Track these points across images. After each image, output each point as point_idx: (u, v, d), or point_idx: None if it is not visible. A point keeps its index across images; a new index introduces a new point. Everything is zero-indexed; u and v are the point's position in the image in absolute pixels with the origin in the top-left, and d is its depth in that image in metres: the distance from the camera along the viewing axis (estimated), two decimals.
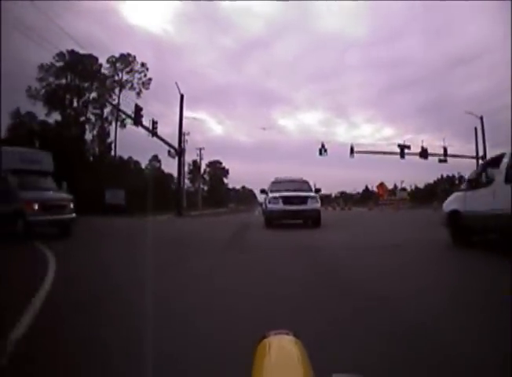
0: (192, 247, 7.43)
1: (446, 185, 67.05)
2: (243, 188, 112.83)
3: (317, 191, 13.80)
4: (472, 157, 35.06)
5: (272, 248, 7.13)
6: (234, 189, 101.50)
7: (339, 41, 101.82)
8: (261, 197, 58.48)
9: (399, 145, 32.45)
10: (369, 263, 5.22)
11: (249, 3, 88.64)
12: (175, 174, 56.72)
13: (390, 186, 57.44)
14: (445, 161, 34.74)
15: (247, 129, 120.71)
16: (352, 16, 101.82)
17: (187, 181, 58.68)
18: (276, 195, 12.28)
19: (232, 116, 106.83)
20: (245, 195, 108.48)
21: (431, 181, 68.73)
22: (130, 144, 54.13)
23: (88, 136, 38.45)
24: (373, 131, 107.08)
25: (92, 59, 38.80)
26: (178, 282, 4.24)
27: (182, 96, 27.22)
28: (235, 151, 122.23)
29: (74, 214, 9.31)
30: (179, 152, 25.95)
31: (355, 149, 33.16)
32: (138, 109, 20.29)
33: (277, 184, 13.67)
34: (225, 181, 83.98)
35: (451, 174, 62.96)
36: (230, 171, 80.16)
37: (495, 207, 5.28)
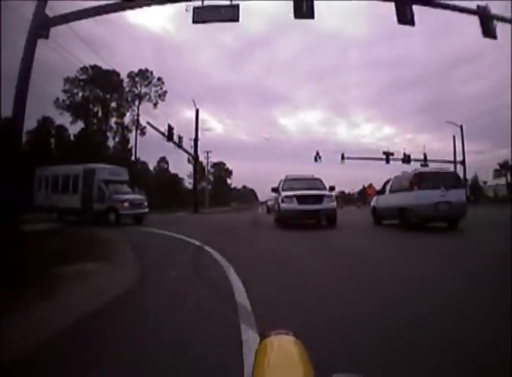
0: (230, 228, 12.30)
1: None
2: (244, 187, 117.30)
3: (331, 189, 12.73)
4: (450, 162, 39.94)
5: (278, 227, 11.97)
6: (235, 189, 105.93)
7: (340, 40, 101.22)
8: (262, 196, 62.34)
9: (384, 152, 37.32)
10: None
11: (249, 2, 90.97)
12: (179, 174, 61.51)
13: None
14: (426, 165, 39.55)
15: (247, 129, 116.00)
16: (353, 16, 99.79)
17: (192, 181, 63.35)
18: (290, 193, 11.62)
19: (232, 115, 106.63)
20: (246, 195, 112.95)
21: None
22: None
23: (110, 142, 43.27)
24: (373, 130, 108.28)
25: (113, 74, 43.58)
26: (238, 239, 9.03)
27: (197, 111, 32.05)
28: (235, 150, 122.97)
29: (147, 209, 14.28)
30: (194, 160, 30.79)
31: (346, 155, 37.87)
32: (170, 128, 25.14)
33: (289, 182, 12.99)
34: (228, 181, 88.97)
35: None
36: (227, 167, 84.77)
37: (387, 205, 10.50)
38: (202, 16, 8.16)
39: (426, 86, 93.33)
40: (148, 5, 8.84)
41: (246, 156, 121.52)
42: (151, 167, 57.50)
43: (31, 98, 9.71)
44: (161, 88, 44.02)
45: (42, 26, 9.79)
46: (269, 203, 27.06)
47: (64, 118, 45.88)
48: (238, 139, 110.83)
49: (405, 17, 9.03)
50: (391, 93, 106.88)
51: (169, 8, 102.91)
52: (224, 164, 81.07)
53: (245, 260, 5.45)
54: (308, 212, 11.26)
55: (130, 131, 43.07)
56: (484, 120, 70.59)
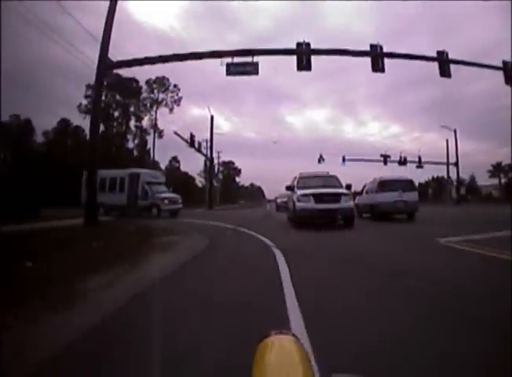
0: (248, 219, 15.85)
1: (434, 185, 74.80)
2: (252, 185, 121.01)
3: (348, 187, 12.30)
4: (443, 163, 43.12)
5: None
6: (243, 186, 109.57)
7: (346, 39, 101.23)
8: (269, 194, 65.33)
9: (381, 155, 40.64)
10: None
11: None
12: (189, 173, 64.92)
13: None
14: (421, 167, 43.02)
15: (255, 126, 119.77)
16: (359, 15, 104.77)
17: (202, 179, 67.14)
18: (307, 192, 11.31)
19: (239, 113, 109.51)
20: (253, 192, 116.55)
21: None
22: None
23: (130, 144, 47.14)
24: (380, 129, 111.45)
25: (133, 81, 47.31)
26: (257, 224, 12.54)
27: (212, 118, 35.65)
28: (242, 148, 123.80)
29: (181, 205, 17.93)
30: (210, 163, 34.48)
31: (347, 157, 41.19)
32: (192, 136, 28.92)
33: (304, 179, 12.67)
34: (237, 179, 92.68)
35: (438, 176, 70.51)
36: (236, 166, 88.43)
37: (364, 202, 14.02)
38: (232, 70, 11.67)
39: (432, 85, 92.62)
40: (198, 58, 12.37)
41: (254, 154, 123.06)
42: (162, 166, 61.38)
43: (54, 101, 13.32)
44: (177, 94, 47.73)
45: (106, 68, 13.38)
46: (279, 200, 26.80)
47: (86, 122, 50.07)
48: (245, 137, 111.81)
49: (377, 67, 12.46)
50: (398, 91, 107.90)
51: (176, 6, 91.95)
52: (233, 163, 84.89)
53: (263, 232, 8.98)
54: (325, 211, 10.89)
55: (148, 134, 46.86)
56: (489, 119, 72.47)
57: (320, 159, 39.56)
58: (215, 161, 60.92)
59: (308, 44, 12.14)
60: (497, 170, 54.08)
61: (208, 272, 4.73)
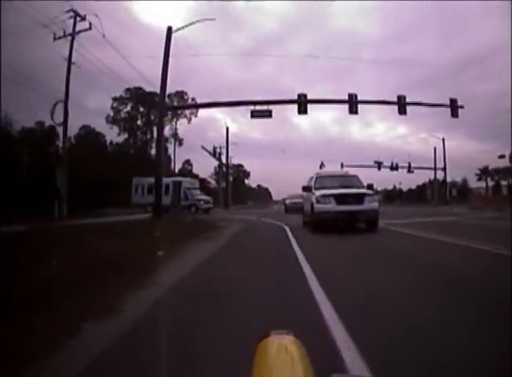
0: (264, 213, 21.72)
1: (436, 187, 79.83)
2: (259, 186, 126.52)
3: (370, 187, 11.63)
4: (431, 168, 48.74)
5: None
6: (251, 188, 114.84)
7: (352, 39, 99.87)
8: (276, 196, 70.76)
9: (375, 161, 46.29)
10: None
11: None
12: (200, 175, 70.70)
13: (390, 187, 71.52)
14: (412, 172, 48.79)
15: (261, 127, 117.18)
16: (365, 15, 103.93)
17: (213, 181, 73.19)
18: (326, 192, 10.63)
19: (246, 114, 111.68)
20: (261, 193, 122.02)
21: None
22: None
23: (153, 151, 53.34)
24: (387, 129, 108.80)
25: (155, 94, 53.40)
26: (274, 216, 18.39)
27: (227, 129, 41.58)
28: (249, 149, 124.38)
29: (211, 205, 23.88)
30: (227, 169, 40.47)
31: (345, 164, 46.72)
32: (215, 148, 34.96)
33: (323, 179, 12.07)
34: (246, 181, 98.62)
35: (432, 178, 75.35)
36: (245, 169, 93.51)
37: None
38: (255, 114, 17.53)
39: (438, 86, 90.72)
40: (228, 105, 18.29)
41: (260, 155, 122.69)
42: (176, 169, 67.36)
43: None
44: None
45: (164, 110, 19.31)
46: (288, 201, 25.97)
47: (113, 131, 56.42)
48: (252, 138, 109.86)
49: (353, 110, 18.24)
50: (404, 91, 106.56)
51: (181, 6, 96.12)
52: (243, 166, 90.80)
53: (281, 221, 14.77)
54: (348, 214, 10.12)
55: (169, 142, 52.97)
56: (494, 120, 73.61)
57: (321, 166, 45.13)
58: (227, 166, 66.95)
59: (305, 95, 17.97)
60: (484, 173, 59.16)
61: (250, 235, 10.61)
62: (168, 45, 19.12)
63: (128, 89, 55.84)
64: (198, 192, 24.46)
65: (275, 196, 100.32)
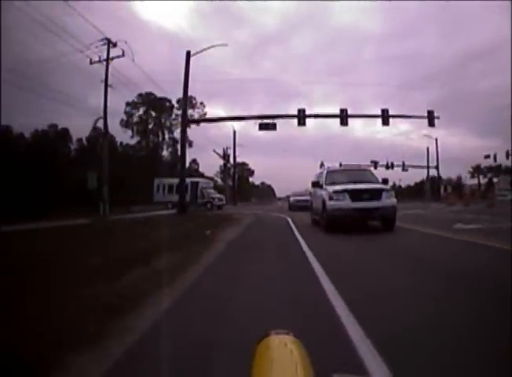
0: (271, 208, 25.51)
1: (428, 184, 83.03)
2: (262, 183, 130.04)
3: (385, 182, 11.10)
4: (424, 167, 52.33)
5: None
6: (254, 185, 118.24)
7: (354, 36, 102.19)
8: (279, 193, 74.38)
9: (371, 161, 49.91)
10: None
11: None
12: (206, 173, 73.62)
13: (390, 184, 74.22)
14: (406, 170, 52.61)
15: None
16: (367, 12, 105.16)
17: (219, 179, 76.92)
18: (339, 188, 9.72)
19: (248, 111, 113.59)
20: (264, 191, 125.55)
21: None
22: None
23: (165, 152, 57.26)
24: (389, 126, 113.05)
25: (165, 100, 57.24)
26: (280, 210, 22.21)
27: (234, 133, 45.32)
28: (252, 145, 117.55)
29: (225, 202, 27.73)
30: (234, 168, 44.23)
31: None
32: (224, 151, 38.74)
33: (334, 174, 11.19)
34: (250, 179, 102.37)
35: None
36: (249, 167, 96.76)
37: None
38: (262, 127, 21.25)
39: (441, 82, 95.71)
40: (241, 119, 22.08)
41: (263, 152, 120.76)
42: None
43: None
44: (202, 110, 57.50)
45: (186, 122, 23.04)
46: (292, 199, 25.18)
47: (127, 134, 60.32)
48: (254, 135, 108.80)
49: (344, 122, 21.93)
50: (406, 88, 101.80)
51: (182, 4, 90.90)
52: (247, 164, 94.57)
53: (284, 213, 18.55)
54: (364, 211, 9.36)
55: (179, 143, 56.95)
56: (495, 116, 73.63)
57: (321, 166, 48.71)
58: (233, 165, 70.65)
59: (304, 110, 21.65)
60: (476, 171, 62.61)
61: (261, 223, 14.40)
62: (187, 68, 22.81)
63: (140, 95, 59.94)
64: (212, 190, 28.31)
65: (278, 193, 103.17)
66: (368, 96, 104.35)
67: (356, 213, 9.36)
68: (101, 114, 20.96)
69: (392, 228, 9.63)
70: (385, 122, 22.73)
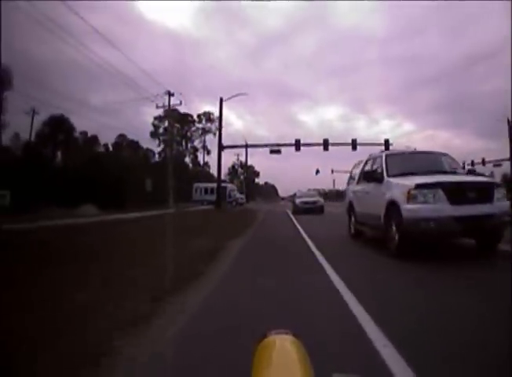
0: (280, 205, 36.85)
1: None
2: (266, 183, 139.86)
3: (471, 172, 8.31)
4: None
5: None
6: (259, 185, 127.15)
7: (358, 36, 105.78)
8: (282, 192, 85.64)
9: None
10: None
11: None
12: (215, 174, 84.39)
13: None
14: None
15: (267, 124, 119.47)
16: (371, 12, 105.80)
17: (227, 180, 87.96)
18: (423, 180, 5.71)
19: (251, 111, 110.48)
20: (268, 190, 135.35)
21: None
22: None
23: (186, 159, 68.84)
24: (393, 127, 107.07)
25: (188, 115, 68.57)
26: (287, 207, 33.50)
27: (247, 145, 56.51)
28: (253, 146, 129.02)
29: (245, 200, 39.21)
30: (246, 171, 55.66)
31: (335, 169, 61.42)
32: (240, 161, 50.03)
33: (399, 160, 7.20)
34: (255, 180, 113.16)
35: None
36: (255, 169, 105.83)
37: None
38: (272, 151, 32.41)
39: (445, 83, 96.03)
40: (255, 147, 33.40)
41: (266, 152, 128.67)
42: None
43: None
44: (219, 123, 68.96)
45: (221, 148, 34.27)
46: (298, 200, 23.02)
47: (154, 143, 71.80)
48: (257, 135, 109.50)
49: (326, 149, 33.23)
50: (410, 89, 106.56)
51: (186, 4, 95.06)
52: (253, 167, 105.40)
53: (286, 207, 29.85)
54: (471, 221, 5.28)
55: (199, 152, 68.34)
56: (499, 117, 77.00)
57: (317, 171, 59.76)
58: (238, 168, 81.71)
59: (299, 140, 32.89)
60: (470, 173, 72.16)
61: (273, 213, 25.80)
62: (221, 111, 34.11)
63: (166, 110, 71.36)
64: (237, 192, 39.43)
65: (281, 193, 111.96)
66: (371, 97, 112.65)
67: (459, 225, 5.32)
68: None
69: (494, 253, 5.85)
70: (354, 148, 33.90)
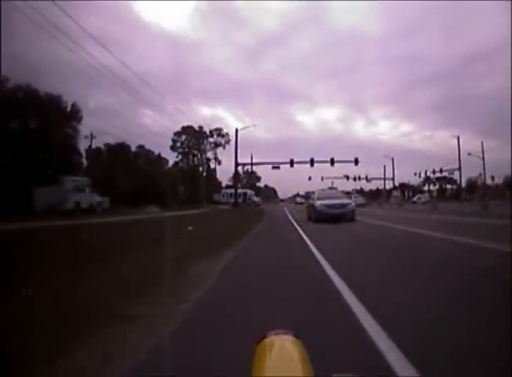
0: (283, 205, 50.72)
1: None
2: (266, 186, 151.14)
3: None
4: (386, 178, 76.74)
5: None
6: (260, 187, 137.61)
7: (356, 37, 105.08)
8: (281, 194, 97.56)
9: (344, 175, 74.31)
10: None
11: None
12: (220, 178, 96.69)
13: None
14: (369, 181, 76.60)
15: (266, 126, 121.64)
16: (369, 13, 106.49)
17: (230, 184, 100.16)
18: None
19: (250, 112, 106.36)
20: (268, 193, 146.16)
21: None
22: None
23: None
24: (391, 127, 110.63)
25: (202, 131, 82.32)
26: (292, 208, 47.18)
27: (252, 156, 70.35)
28: (254, 147, 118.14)
29: (261, 203, 53.94)
30: (250, 176, 69.68)
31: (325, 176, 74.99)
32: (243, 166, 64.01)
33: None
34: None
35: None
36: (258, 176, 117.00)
37: None
38: (273, 167, 46.20)
39: (443, 83, 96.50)
40: (267, 163, 47.31)
41: (265, 154, 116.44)
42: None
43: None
44: (228, 138, 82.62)
45: (237, 165, 47.97)
46: (319, 203, 16.86)
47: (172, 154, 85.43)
48: (256, 137, 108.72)
49: (312, 165, 47.11)
50: (408, 90, 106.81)
51: (183, 5, 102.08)
52: (255, 172, 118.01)
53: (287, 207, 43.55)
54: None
55: (212, 162, 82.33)
56: (498, 117, 70.28)
57: (310, 178, 73.02)
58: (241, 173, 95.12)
59: (292, 160, 46.68)
60: (426, 181, 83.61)
61: (279, 208, 39.63)
62: (236, 140, 47.77)
63: (183, 127, 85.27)
64: (254, 196, 53.40)
65: (280, 195, 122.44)
66: (369, 97, 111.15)
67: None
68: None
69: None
70: (332, 164, 47.66)
